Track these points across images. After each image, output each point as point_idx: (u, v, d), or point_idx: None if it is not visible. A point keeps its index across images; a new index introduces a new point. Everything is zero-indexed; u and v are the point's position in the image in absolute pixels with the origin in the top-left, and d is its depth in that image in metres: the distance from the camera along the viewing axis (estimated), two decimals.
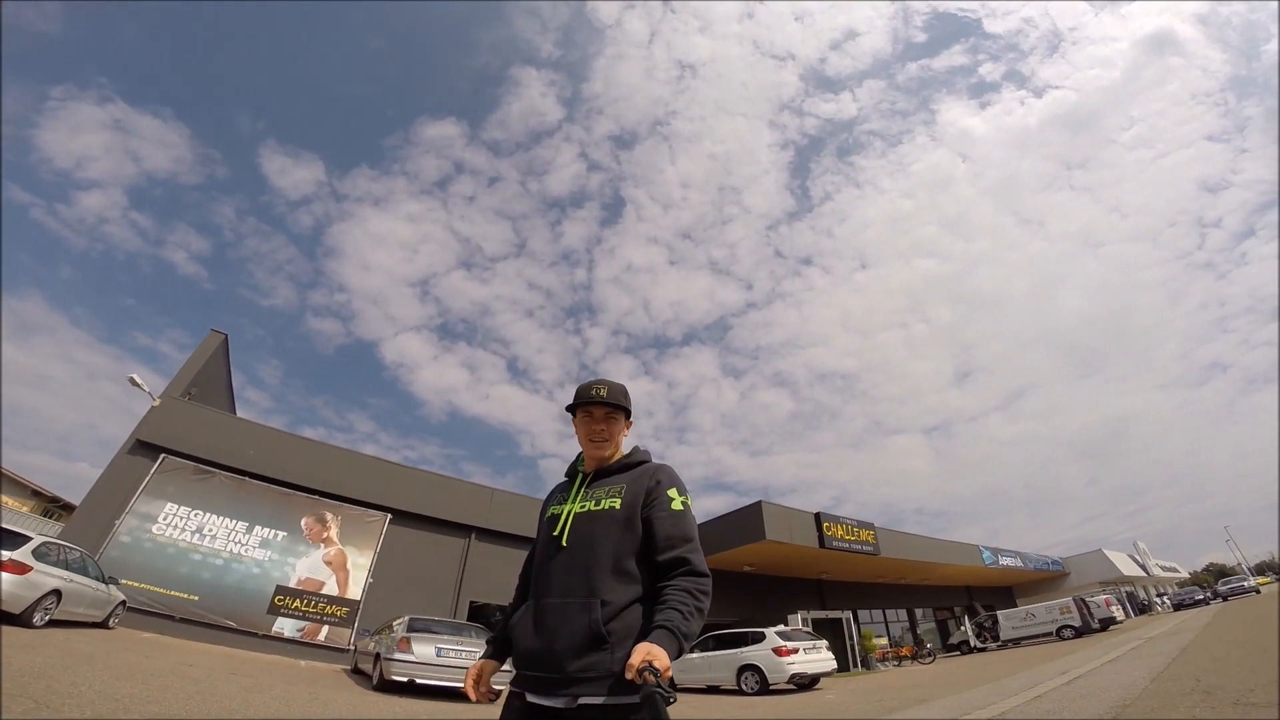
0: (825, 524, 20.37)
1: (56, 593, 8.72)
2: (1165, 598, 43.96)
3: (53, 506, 31.52)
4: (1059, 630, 23.01)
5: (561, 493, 1.85)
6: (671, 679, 1.28)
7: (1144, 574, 41.71)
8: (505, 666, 1.76)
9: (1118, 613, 24.46)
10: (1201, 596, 38.52)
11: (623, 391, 1.85)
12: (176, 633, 12.64)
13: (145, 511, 13.72)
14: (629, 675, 1.28)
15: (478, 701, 1.69)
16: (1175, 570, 49.79)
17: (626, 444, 1.90)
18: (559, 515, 1.73)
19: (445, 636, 9.50)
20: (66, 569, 9.15)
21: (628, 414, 1.86)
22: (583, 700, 1.43)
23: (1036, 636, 23.78)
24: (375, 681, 9.29)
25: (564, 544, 1.65)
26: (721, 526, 21.02)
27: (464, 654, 9.16)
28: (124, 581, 12.49)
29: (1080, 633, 22.30)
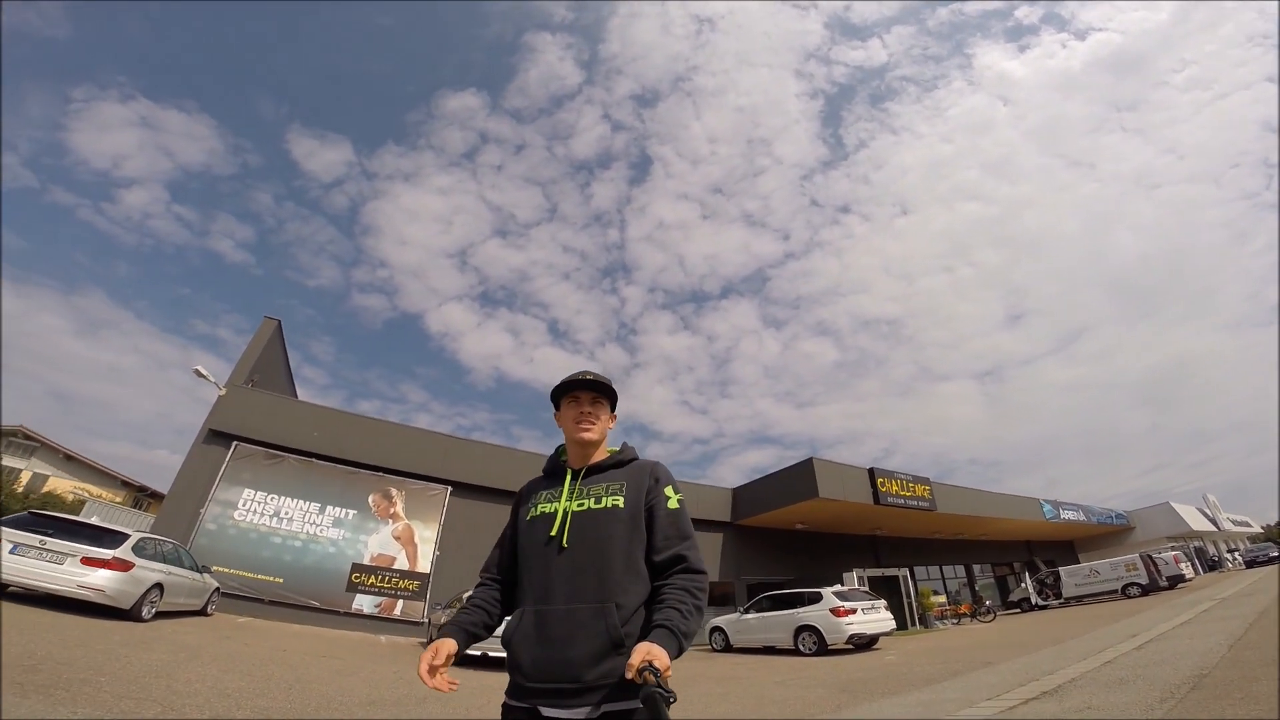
0: (880, 479, 20.21)
1: (159, 585, 9.31)
2: (1236, 554, 41.87)
3: (141, 496, 33.38)
4: (1124, 588, 22.37)
5: (548, 491, 1.74)
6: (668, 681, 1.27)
7: (1214, 528, 39.99)
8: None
9: (1187, 570, 23.52)
10: (1277, 553, 36.64)
11: (609, 379, 1.79)
12: (267, 615, 13.56)
13: (225, 499, 14.65)
14: (629, 675, 1.26)
15: (435, 688, 1.45)
16: (1247, 524, 47.44)
17: (613, 440, 1.85)
18: (552, 514, 1.64)
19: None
20: (164, 562, 9.81)
21: (613, 404, 1.82)
22: (606, 708, 1.39)
23: (1100, 594, 23.20)
24: None
25: (564, 545, 1.57)
26: (772, 484, 21.12)
27: None
28: (215, 568, 13.37)
29: (1147, 591, 21.64)
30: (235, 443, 15.26)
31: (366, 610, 14.75)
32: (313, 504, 15.45)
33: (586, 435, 1.72)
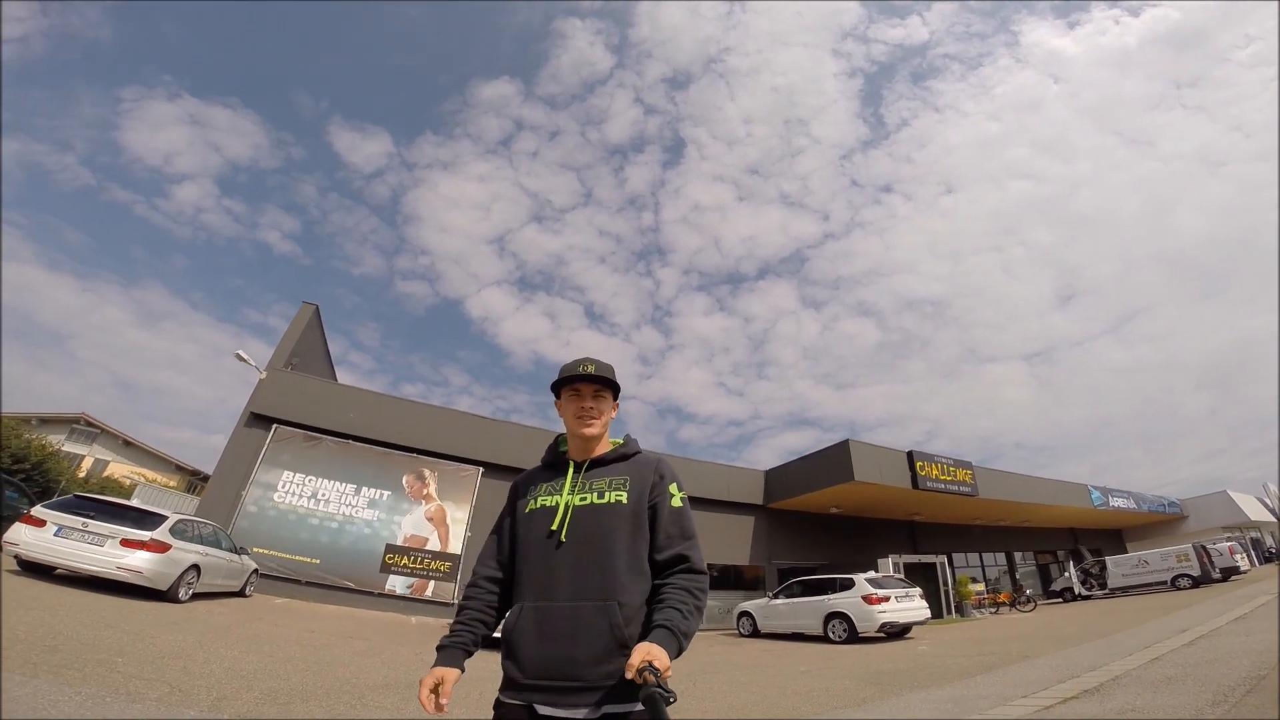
0: (919, 463, 19.56)
1: (196, 567, 9.57)
2: None
3: (195, 480, 34.75)
4: (1174, 579, 21.39)
5: (549, 483, 1.70)
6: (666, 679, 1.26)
7: (1274, 519, 37.92)
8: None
9: (1242, 562, 22.29)
10: None
11: (611, 370, 1.73)
12: (304, 596, 13.92)
13: (266, 481, 15.06)
14: (629, 675, 1.25)
15: (434, 713, 1.46)
16: None
17: (614, 433, 1.82)
18: (553, 508, 1.61)
19: None
20: (201, 543, 10.05)
21: (615, 395, 1.76)
22: (607, 709, 1.37)
23: (1149, 585, 22.23)
24: None
25: (565, 540, 1.54)
26: (806, 467, 20.69)
27: None
28: (254, 549, 13.76)
29: (1198, 583, 20.66)
30: (275, 425, 15.64)
31: (399, 591, 15.03)
32: (349, 485, 15.77)
33: (589, 430, 1.68)
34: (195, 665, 5.20)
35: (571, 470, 1.68)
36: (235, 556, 11.53)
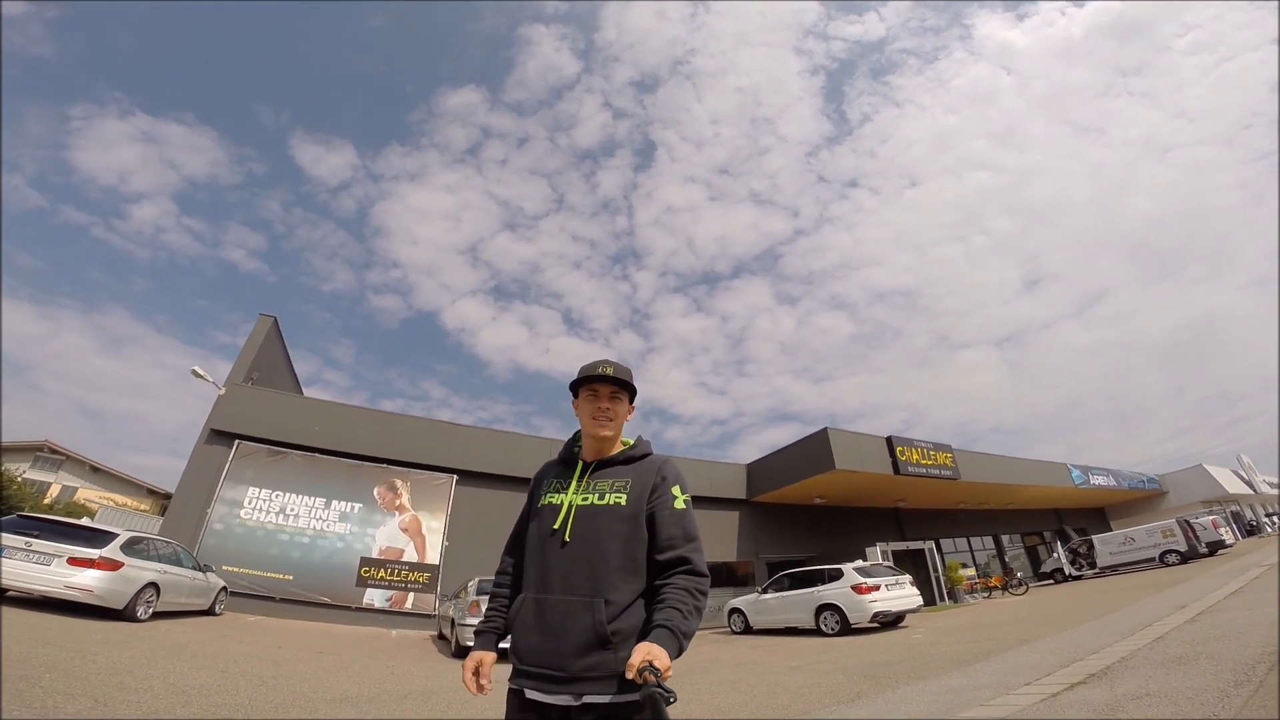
0: (899, 448, 19.41)
1: (154, 585, 9.13)
2: (1276, 517, 40.23)
3: (168, 503, 33.93)
4: (1162, 555, 21.39)
5: (559, 480, 1.77)
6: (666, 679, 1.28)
7: (1250, 491, 38.44)
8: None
9: (1227, 535, 22.34)
10: None
11: (628, 372, 1.77)
12: (278, 613, 13.34)
13: (231, 498, 14.46)
14: (629, 675, 1.28)
15: (478, 693, 1.63)
16: None
17: (628, 432, 1.88)
18: (558, 505, 1.68)
19: None
20: (159, 561, 9.59)
21: (632, 397, 1.80)
22: (586, 698, 1.44)
23: (1137, 563, 22.26)
24: (453, 649, 9.47)
25: (566, 538, 1.61)
26: (787, 458, 20.44)
27: None
28: (224, 567, 13.25)
29: (1186, 558, 20.69)
30: (237, 441, 15.05)
31: (378, 604, 14.50)
32: (318, 499, 15.21)
33: (603, 431, 1.73)
34: (134, 681, 4.78)
35: (579, 470, 1.75)
36: (199, 574, 11.00)
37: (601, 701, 1.43)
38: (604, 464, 1.74)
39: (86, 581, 7.95)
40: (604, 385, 1.74)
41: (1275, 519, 39.32)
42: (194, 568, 10.93)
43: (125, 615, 8.45)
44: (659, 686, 1.19)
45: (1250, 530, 36.40)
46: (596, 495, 1.66)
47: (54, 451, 30.75)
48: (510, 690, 1.56)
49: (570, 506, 1.65)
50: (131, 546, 9.01)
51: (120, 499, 30.82)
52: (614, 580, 1.54)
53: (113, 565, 8.34)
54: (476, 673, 1.63)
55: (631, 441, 1.84)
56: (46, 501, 24.61)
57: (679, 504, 1.66)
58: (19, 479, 22.20)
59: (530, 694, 1.50)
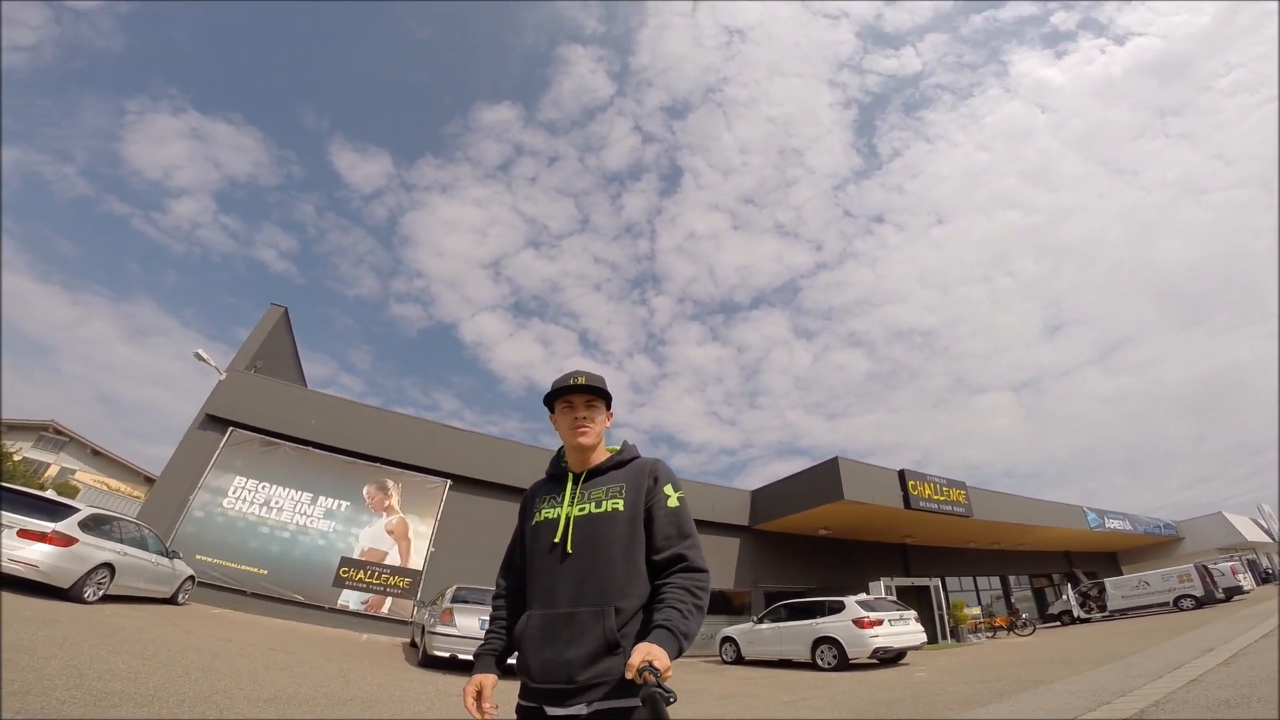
0: (911, 482, 18.65)
1: (109, 566, 8.66)
2: None
3: None
4: (1176, 600, 20.58)
5: (551, 495, 1.75)
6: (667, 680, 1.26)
7: (1269, 540, 37.35)
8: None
9: (1245, 581, 21.62)
10: None
11: (602, 380, 1.77)
12: (247, 608, 12.78)
13: (216, 486, 13.98)
14: (629, 675, 1.26)
15: (482, 716, 1.54)
16: None
17: (610, 439, 1.87)
18: (555, 520, 1.66)
19: (488, 607, 8.86)
20: (120, 542, 9.11)
21: (608, 404, 1.80)
22: (596, 706, 1.42)
23: (1150, 607, 21.42)
24: (420, 657, 8.85)
25: (569, 550, 1.59)
26: (795, 486, 19.70)
27: None
28: (198, 556, 12.79)
29: (1201, 603, 19.85)
30: (231, 428, 14.63)
31: (352, 606, 13.84)
32: (305, 494, 14.67)
33: (584, 440, 1.71)
34: (29, 661, 4.26)
35: (570, 482, 1.72)
36: (164, 560, 10.48)
37: (608, 708, 1.41)
38: (595, 472, 1.72)
39: (33, 556, 7.47)
40: (578, 395, 1.73)
41: None
42: (160, 553, 10.44)
43: (71, 595, 7.95)
44: (659, 686, 1.18)
45: (1265, 578, 35.16)
46: (593, 504, 1.63)
47: (58, 432, 30.68)
48: (524, 708, 1.53)
49: (568, 519, 1.63)
50: (91, 524, 8.54)
51: (115, 484, 30.72)
52: (621, 587, 1.52)
53: (65, 541, 7.87)
54: (479, 695, 1.57)
55: (618, 447, 1.81)
56: (40, 481, 24.40)
57: (672, 502, 1.65)
58: (16, 456, 21.97)
59: (550, 710, 1.47)
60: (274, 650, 7.74)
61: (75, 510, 8.41)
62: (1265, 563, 37.47)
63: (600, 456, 1.76)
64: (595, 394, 1.74)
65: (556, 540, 1.60)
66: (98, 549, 8.45)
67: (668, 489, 1.66)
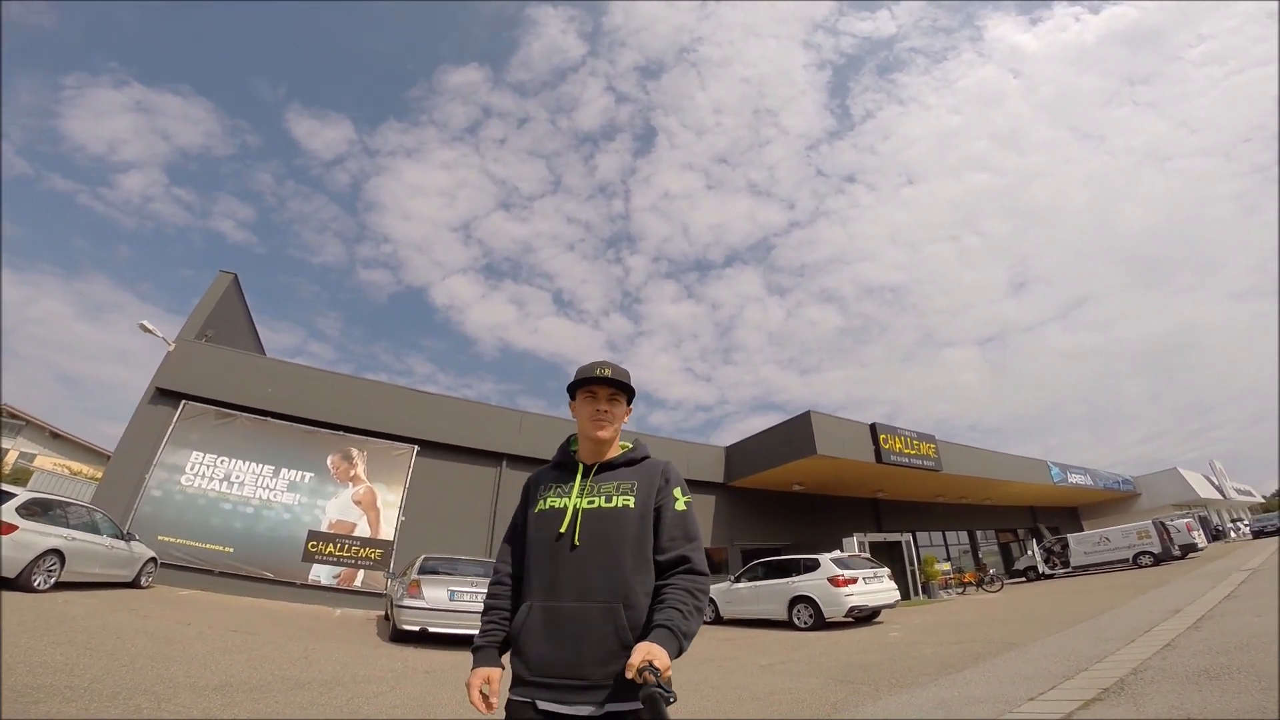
0: (882, 436, 18.79)
1: (58, 553, 8.29)
2: (1241, 523, 40.79)
3: None
4: (1135, 557, 21.39)
5: (558, 483, 1.71)
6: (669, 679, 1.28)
7: (1220, 497, 38.96)
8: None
9: (1199, 539, 22.51)
10: None
11: (627, 374, 1.73)
12: (215, 587, 12.38)
13: (172, 463, 13.40)
14: (629, 675, 1.26)
15: (488, 712, 1.50)
16: (1250, 494, 46.46)
17: (622, 436, 1.82)
18: (562, 509, 1.62)
19: (458, 577, 8.69)
20: (68, 526, 8.70)
21: (630, 399, 1.76)
22: (610, 707, 1.39)
23: (1111, 563, 22.25)
24: (391, 632, 8.65)
25: (576, 543, 1.56)
26: (768, 441, 19.72)
27: (479, 597, 8.35)
28: (159, 537, 12.35)
29: (1159, 560, 20.70)
30: (184, 402, 13.95)
31: (324, 581, 13.54)
32: (266, 466, 14.16)
33: (602, 433, 1.69)
34: None
35: (580, 473, 1.70)
36: (120, 543, 10.06)
37: (624, 709, 1.38)
38: (606, 466, 1.70)
39: None
40: (602, 387, 1.71)
41: (1240, 525, 39.98)
42: (115, 535, 10.01)
43: (19, 584, 7.59)
44: (659, 686, 1.19)
45: (1216, 535, 36.81)
46: (603, 498, 1.62)
47: (13, 416, 29.37)
48: (515, 701, 1.48)
49: (576, 510, 1.61)
50: (32, 509, 8.12)
51: (78, 466, 29.71)
52: (631, 584, 1.51)
53: (6, 529, 7.46)
54: (486, 692, 1.53)
55: (630, 444, 1.79)
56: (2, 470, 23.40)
57: (680, 505, 1.65)
58: None
59: (544, 705, 1.44)
60: (235, 632, 7.43)
61: (12, 496, 7.95)
62: (1215, 519, 39.24)
63: (613, 451, 1.75)
64: (619, 388, 1.72)
65: (563, 531, 1.58)
66: (41, 535, 8.07)
67: (677, 492, 1.67)
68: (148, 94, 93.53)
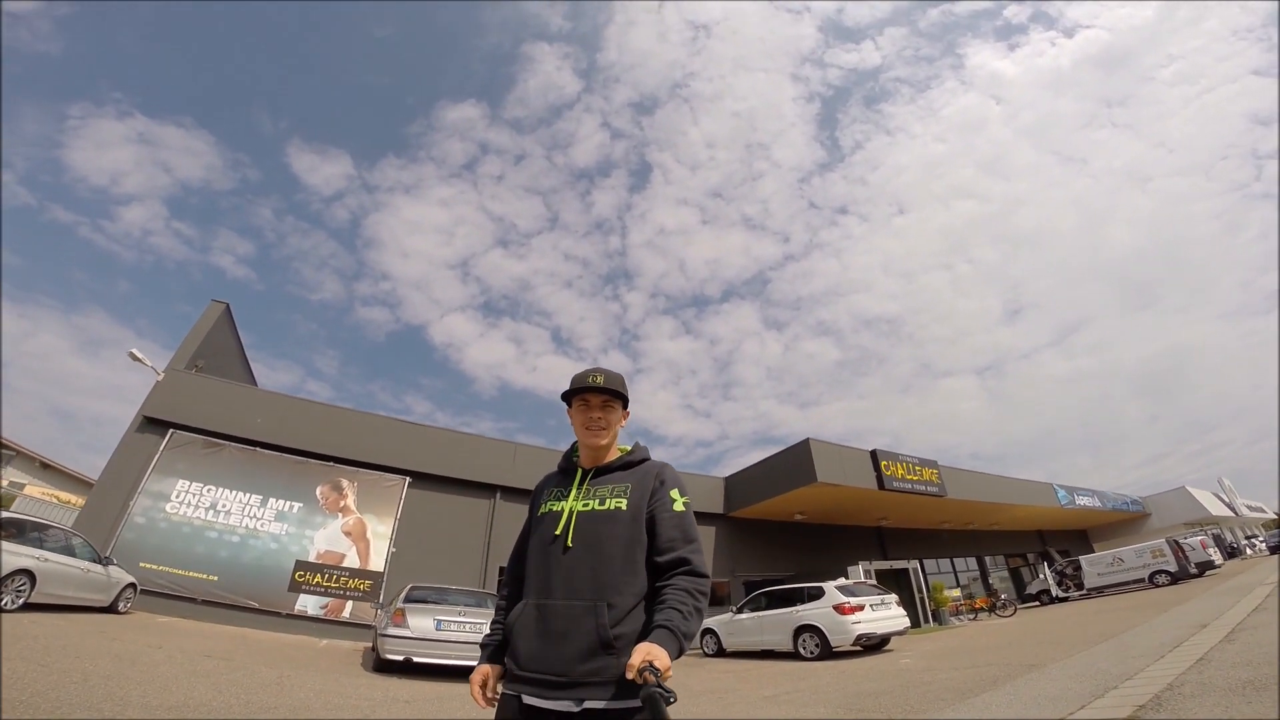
0: (883, 462, 18.41)
1: (28, 574, 8.01)
2: (1256, 540, 40.14)
3: None
4: (1151, 576, 20.74)
5: (559, 488, 1.76)
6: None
7: (1231, 514, 38.33)
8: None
9: (1216, 556, 21.93)
10: None
11: (620, 380, 1.77)
12: (197, 616, 11.96)
13: (158, 490, 13.07)
14: (629, 675, 1.27)
15: (487, 706, 1.61)
16: (1262, 510, 45.69)
17: (622, 440, 1.87)
18: (559, 513, 1.67)
19: (445, 607, 8.30)
20: (41, 548, 8.42)
21: (625, 404, 1.79)
22: (588, 704, 1.41)
23: (1126, 584, 21.57)
24: (374, 662, 8.21)
25: (569, 544, 1.60)
26: (767, 470, 19.33)
27: (467, 626, 7.96)
28: (141, 564, 12.00)
29: (1176, 579, 20.03)
30: (171, 430, 13.68)
31: (311, 612, 13.06)
32: (254, 495, 13.80)
33: (597, 440, 1.73)
34: None
35: (579, 477, 1.74)
36: (97, 567, 9.69)
37: (600, 707, 1.39)
38: (603, 470, 1.73)
39: None
40: (595, 395, 1.74)
41: (1255, 541, 39.25)
42: (93, 560, 9.66)
43: None
44: (659, 687, 1.18)
45: (1231, 552, 36.07)
46: (597, 501, 1.64)
47: (4, 447, 29.14)
48: (505, 695, 1.54)
49: (571, 513, 1.64)
50: (7, 529, 7.93)
51: (66, 496, 29.26)
52: (617, 584, 1.52)
53: None
54: (484, 686, 1.63)
55: (629, 448, 1.82)
56: None
57: (678, 506, 1.65)
58: None
59: (528, 699, 1.47)
60: (208, 657, 7.01)
61: None
62: (1229, 536, 38.53)
63: (612, 455, 1.78)
64: (612, 394, 1.74)
65: (558, 533, 1.62)
66: (10, 555, 7.77)
67: (674, 493, 1.67)
68: (150, 125, 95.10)
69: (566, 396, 1.77)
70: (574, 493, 1.69)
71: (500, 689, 1.58)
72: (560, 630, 1.48)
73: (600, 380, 1.72)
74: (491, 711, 1.56)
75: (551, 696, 1.43)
